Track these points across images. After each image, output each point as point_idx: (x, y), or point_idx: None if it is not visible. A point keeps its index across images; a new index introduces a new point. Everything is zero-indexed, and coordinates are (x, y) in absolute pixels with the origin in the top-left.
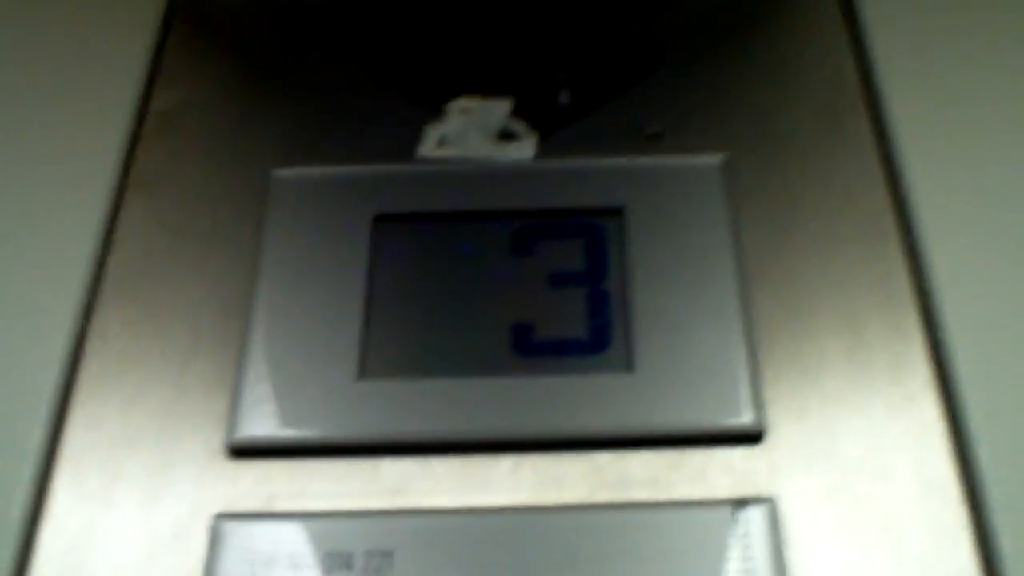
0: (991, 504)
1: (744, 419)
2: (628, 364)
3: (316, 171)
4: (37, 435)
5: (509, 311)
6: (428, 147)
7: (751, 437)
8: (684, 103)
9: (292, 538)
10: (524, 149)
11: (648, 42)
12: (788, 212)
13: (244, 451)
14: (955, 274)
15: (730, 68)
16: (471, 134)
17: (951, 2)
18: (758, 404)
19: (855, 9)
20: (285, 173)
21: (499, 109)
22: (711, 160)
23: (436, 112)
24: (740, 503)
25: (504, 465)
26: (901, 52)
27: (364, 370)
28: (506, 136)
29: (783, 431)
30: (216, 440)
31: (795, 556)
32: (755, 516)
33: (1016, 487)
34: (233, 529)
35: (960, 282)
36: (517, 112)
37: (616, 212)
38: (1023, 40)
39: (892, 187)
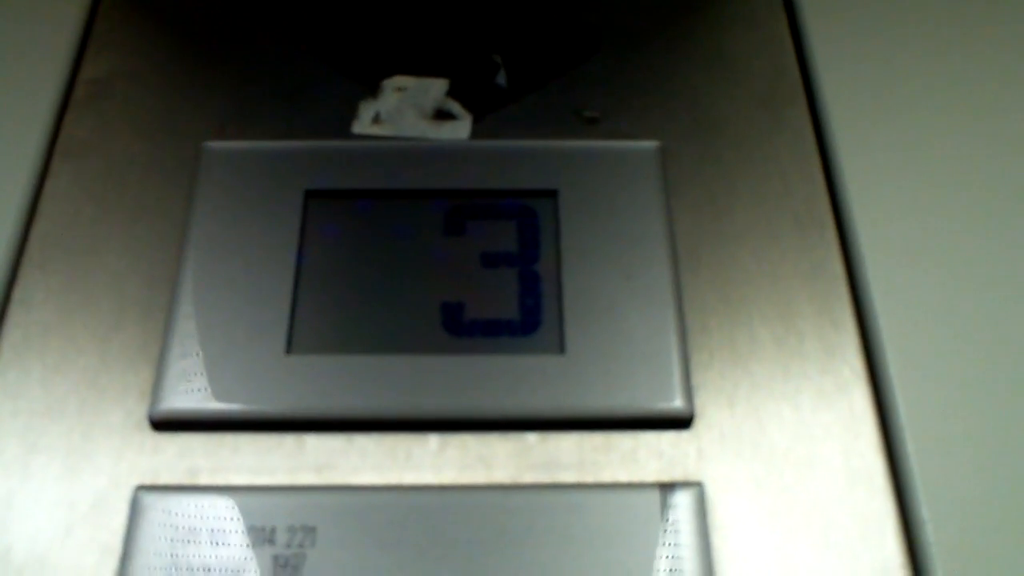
0: (917, 494)
1: (674, 404)
2: (559, 346)
3: (248, 144)
4: None
5: (440, 290)
6: (362, 124)
7: (680, 422)
8: (622, 88)
9: (214, 512)
10: (459, 129)
11: (586, 26)
12: (724, 199)
13: (167, 424)
14: (888, 265)
15: (669, 55)
16: (406, 112)
17: None
18: (688, 389)
19: None
20: (216, 145)
21: (435, 88)
22: (647, 145)
23: (372, 89)
24: (668, 487)
25: (431, 443)
26: (839, 42)
27: (292, 345)
28: (441, 115)
29: (712, 417)
30: (139, 412)
31: (721, 541)
32: (683, 500)
33: (942, 478)
34: (154, 502)
35: (893, 273)
36: (453, 92)
37: (550, 194)
38: (956, 32)
39: (828, 177)
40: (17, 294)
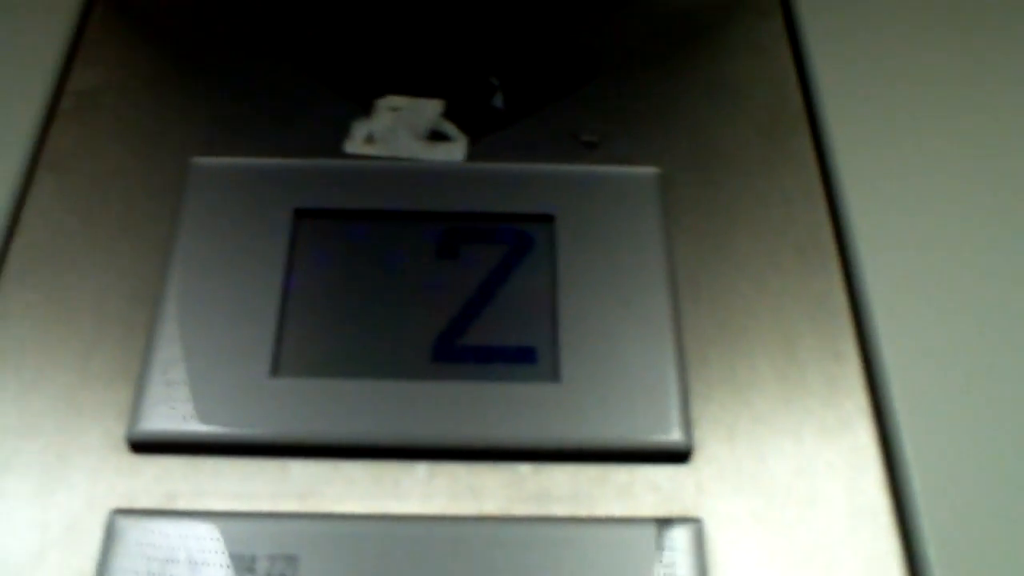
0: (923, 532)
1: (672, 436)
2: (554, 374)
3: (237, 161)
4: None
5: (432, 315)
6: (355, 143)
7: (678, 455)
8: (621, 113)
9: (193, 538)
10: (454, 151)
11: (585, 50)
12: (725, 228)
13: (146, 445)
14: (892, 296)
15: (671, 81)
16: (400, 133)
17: (893, 23)
18: (686, 421)
19: (798, 28)
20: (205, 161)
21: (430, 109)
22: (647, 171)
23: (365, 108)
24: (665, 522)
25: (419, 472)
26: (842, 70)
27: (277, 367)
28: (436, 137)
29: (712, 450)
30: (117, 433)
31: None
32: (680, 536)
33: (948, 515)
34: (130, 525)
35: (897, 304)
36: (448, 113)
37: (547, 219)
38: (961, 62)
39: (831, 206)
40: None
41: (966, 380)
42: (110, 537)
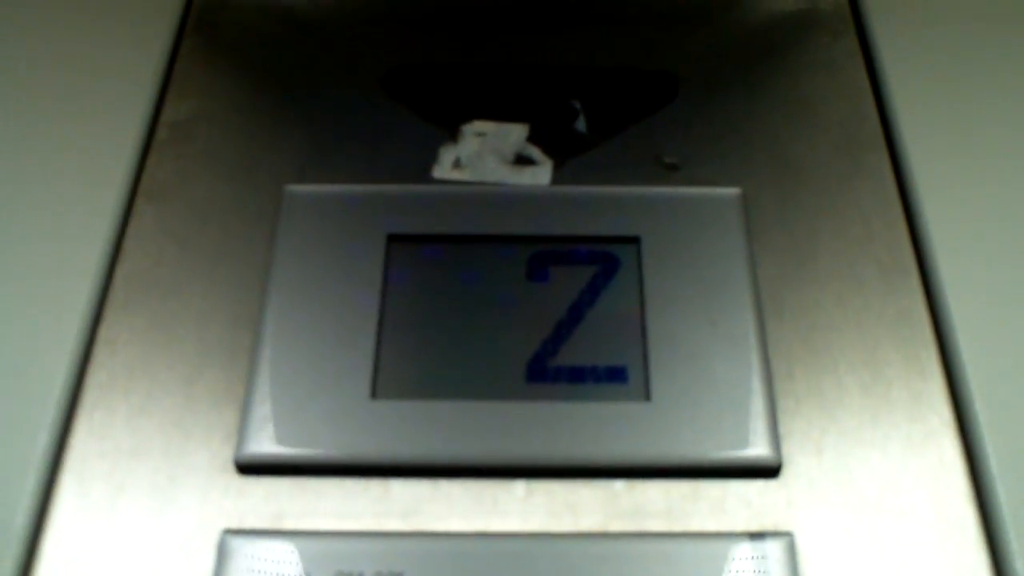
0: (1011, 546)
1: (761, 452)
2: (644, 393)
3: (330, 188)
4: (42, 443)
5: (523, 336)
6: (443, 168)
7: (768, 471)
8: (701, 134)
9: (300, 557)
10: (540, 175)
11: (663, 73)
12: (806, 246)
13: (252, 467)
14: (974, 310)
15: (748, 101)
16: (487, 157)
17: (967, 39)
18: (775, 437)
19: (872, 45)
20: (298, 189)
21: (515, 133)
22: (729, 192)
23: (452, 134)
24: (758, 536)
25: (517, 490)
26: (918, 87)
27: (377, 390)
28: (522, 161)
29: (800, 465)
30: (224, 455)
31: None
32: (773, 549)
33: None
34: (240, 545)
35: (979, 318)
36: (533, 138)
37: (632, 240)
38: None
39: (911, 223)
40: (103, 334)
41: None
42: (222, 556)
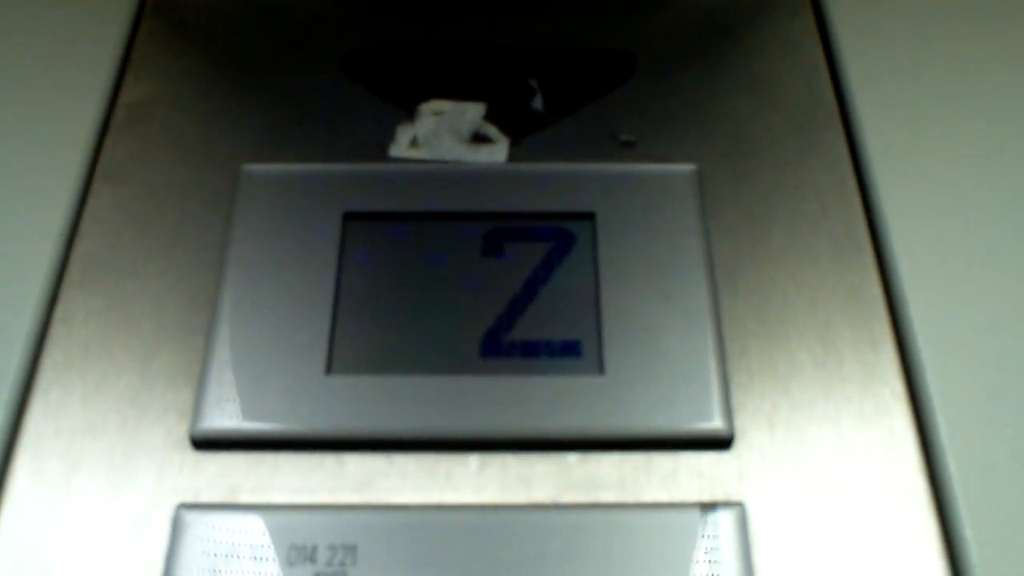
0: (959, 513)
1: (714, 424)
2: (598, 367)
3: (286, 167)
4: None
5: (478, 312)
6: (400, 147)
7: (720, 442)
8: (658, 112)
9: (255, 530)
10: (496, 153)
11: (620, 51)
12: (761, 222)
13: (208, 443)
14: (926, 286)
15: (705, 79)
16: (443, 136)
17: (924, 19)
18: (728, 410)
19: (828, 24)
20: (255, 168)
21: (472, 112)
22: (684, 168)
23: (408, 112)
24: (709, 507)
25: (471, 463)
26: (874, 66)
27: (332, 365)
28: (478, 139)
29: (752, 437)
30: (180, 432)
31: (763, 561)
32: (724, 520)
33: (985, 498)
34: (195, 520)
35: (931, 294)
36: (490, 116)
37: (588, 217)
38: (993, 54)
39: (865, 200)
40: (59, 313)
41: (1000, 365)
42: (176, 531)
